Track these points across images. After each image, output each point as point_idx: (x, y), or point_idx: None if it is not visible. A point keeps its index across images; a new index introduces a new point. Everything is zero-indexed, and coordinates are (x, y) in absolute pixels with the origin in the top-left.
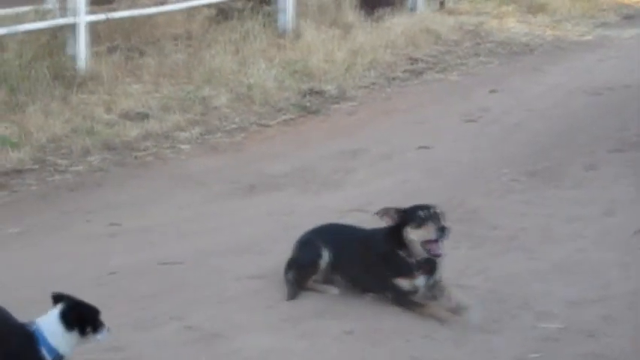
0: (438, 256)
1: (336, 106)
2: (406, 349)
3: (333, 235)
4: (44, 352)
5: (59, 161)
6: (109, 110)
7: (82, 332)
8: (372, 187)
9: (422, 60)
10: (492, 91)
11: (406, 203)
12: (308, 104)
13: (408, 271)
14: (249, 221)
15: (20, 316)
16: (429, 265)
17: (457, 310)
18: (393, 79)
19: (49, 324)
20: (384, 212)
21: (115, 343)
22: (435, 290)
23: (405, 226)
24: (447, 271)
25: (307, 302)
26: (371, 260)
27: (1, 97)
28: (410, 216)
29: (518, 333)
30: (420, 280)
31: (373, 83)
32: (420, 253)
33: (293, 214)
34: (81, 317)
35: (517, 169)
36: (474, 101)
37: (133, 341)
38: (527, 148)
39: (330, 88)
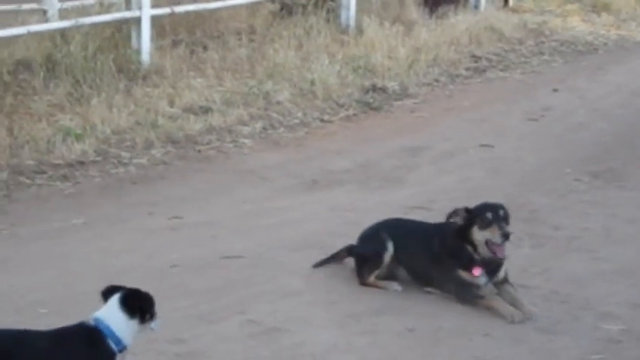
0: (502, 258)
1: (398, 102)
2: (467, 349)
3: (397, 229)
4: (112, 344)
5: (122, 154)
6: (172, 103)
7: (142, 319)
8: (434, 185)
9: (485, 58)
10: (555, 90)
11: (468, 202)
12: (370, 100)
13: (471, 265)
14: (311, 216)
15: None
16: (493, 264)
17: (518, 309)
18: (456, 76)
19: (111, 315)
20: (454, 213)
21: (178, 335)
22: (499, 289)
23: (472, 226)
24: (509, 270)
25: (370, 299)
26: (436, 253)
27: (66, 89)
28: (477, 216)
29: (580, 334)
30: (483, 277)
31: (436, 80)
32: (484, 252)
33: (355, 210)
34: (141, 303)
35: (580, 169)
36: (536, 100)
37: (197, 334)
38: (590, 147)
39: (393, 85)
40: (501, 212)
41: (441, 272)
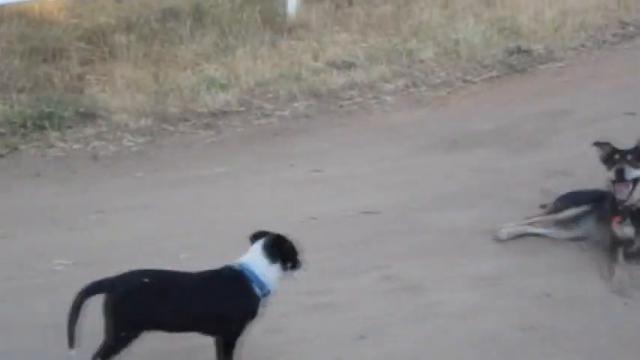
0: (621, 199)
1: (542, 66)
2: (605, 317)
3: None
4: (256, 289)
5: (265, 105)
6: (316, 57)
7: (284, 265)
8: (576, 151)
9: (633, 24)
10: None
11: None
12: (514, 63)
13: (617, 214)
14: (450, 176)
15: (221, 255)
16: (637, 214)
17: None
18: (603, 42)
19: (254, 259)
20: (601, 145)
21: (315, 287)
22: None
23: (606, 165)
24: None
25: (508, 262)
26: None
27: (212, 39)
28: (609, 156)
29: None
30: (629, 229)
31: (582, 45)
32: (615, 193)
33: (495, 172)
34: (282, 248)
35: None
36: None
37: (336, 287)
38: None
39: (538, 48)
40: (629, 156)
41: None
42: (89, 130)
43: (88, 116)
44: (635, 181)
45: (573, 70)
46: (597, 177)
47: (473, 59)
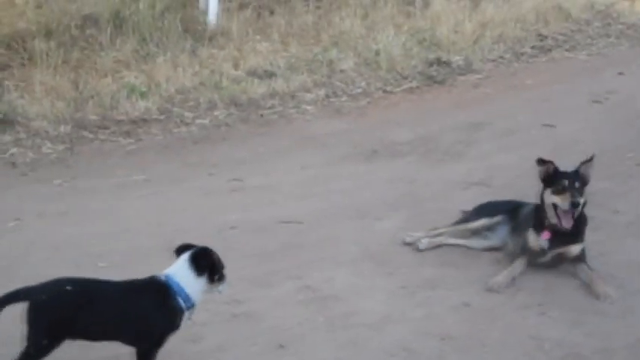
0: (565, 228)
1: (462, 77)
2: (522, 327)
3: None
4: (180, 301)
5: (185, 113)
6: (236, 66)
7: (211, 279)
8: (494, 162)
9: (551, 37)
10: (621, 74)
11: (527, 181)
12: (434, 74)
13: (542, 234)
14: (369, 186)
15: (140, 264)
16: (567, 237)
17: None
18: (521, 54)
19: (181, 272)
20: (543, 163)
21: (235, 296)
22: (573, 267)
23: (547, 187)
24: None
25: (426, 271)
26: (523, 217)
27: (132, 46)
28: (554, 179)
29: (636, 318)
30: (545, 243)
31: (501, 57)
32: (553, 219)
33: (414, 182)
34: (210, 263)
35: None
36: (601, 82)
37: (253, 297)
38: None
39: (457, 59)
40: (577, 183)
41: (519, 231)
42: (7, 137)
43: (7, 123)
44: (577, 210)
45: (492, 82)
46: (514, 187)
47: (393, 70)
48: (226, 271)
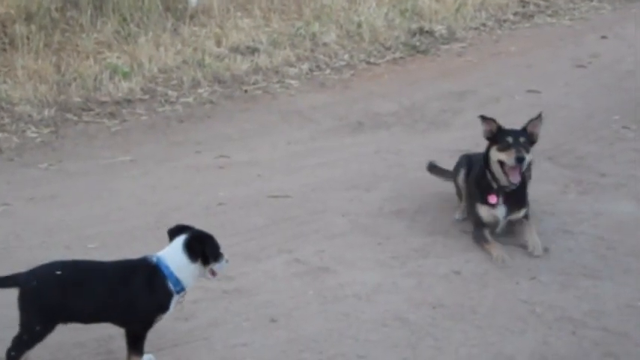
0: (513, 184)
1: (445, 46)
2: (513, 292)
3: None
4: (170, 285)
5: (169, 92)
6: (219, 43)
7: (206, 262)
8: (479, 129)
9: (533, 3)
10: (604, 37)
11: None
12: (417, 44)
13: (488, 199)
14: (356, 158)
15: (130, 244)
16: (515, 198)
17: (531, 253)
18: (504, 21)
19: (173, 256)
20: (486, 120)
21: (227, 272)
22: (517, 226)
23: (492, 145)
24: (556, 215)
25: (415, 241)
26: (470, 182)
27: (114, 27)
28: (499, 136)
29: (626, 280)
30: (501, 211)
31: (483, 25)
32: (500, 177)
33: (400, 152)
34: (205, 246)
35: (627, 117)
36: (584, 47)
37: (243, 272)
38: (638, 95)
39: (440, 29)
40: (522, 139)
41: (469, 202)
42: None
43: None
44: (523, 165)
45: (475, 50)
46: None
47: (376, 41)
48: (223, 250)
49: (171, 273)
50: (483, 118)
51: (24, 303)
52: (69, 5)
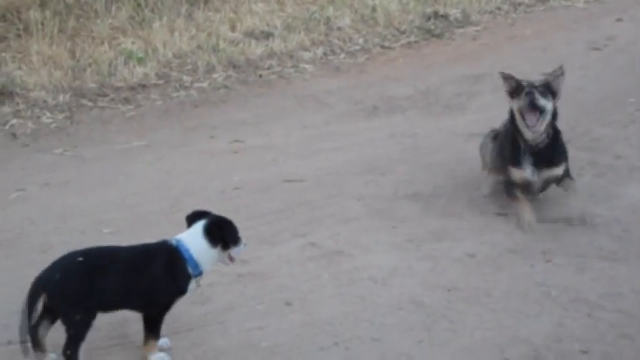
0: (531, 127)
1: (460, 30)
2: (528, 275)
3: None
4: (189, 268)
5: (184, 77)
6: (233, 28)
7: (225, 247)
8: (495, 112)
9: None
10: (619, 20)
11: None
12: (432, 27)
13: (517, 160)
14: (371, 142)
15: (145, 228)
16: (546, 156)
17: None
18: (519, 4)
19: (193, 240)
20: (506, 76)
21: (243, 256)
22: (553, 186)
23: (513, 99)
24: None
25: (430, 224)
26: (501, 146)
27: (128, 13)
28: (518, 90)
29: None
30: (530, 171)
31: (498, 8)
32: (523, 129)
33: (415, 136)
34: (225, 232)
35: None
36: (600, 29)
37: (258, 256)
38: None
39: (455, 12)
40: (539, 88)
41: (503, 164)
42: (6, 109)
43: (5, 94)
44: (542, 113)
45: (490, 34)
46: None
47: (390, 25)
48: (241, 233)
49: (191, 256)
50: (503, 75)
51: (56, 299)
52: None
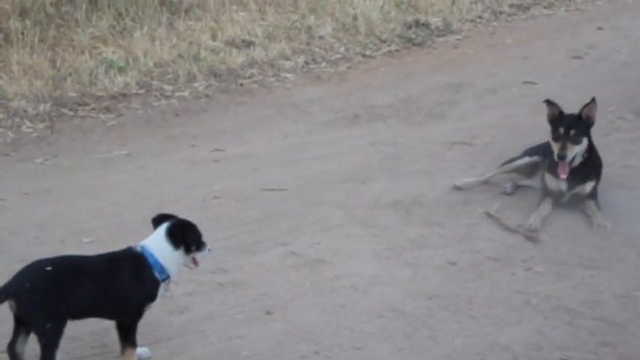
0: (561, 176)
1: (441, 38)
2: (509, 282)
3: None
4: (156, 273)
5: (165, 86)
6: (214, 37)
7: (188, 250)
8: (476, 121)
9: None
10: (600, 29)
11: (510, 138)
12: (413, 36)
13: (553, 170)
14: (352, 151)
15: (125, 238)
16: (580, 174)
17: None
18: (500, 13)
19: (157, 245)
20: (550, 105)
21: (221, 265)
22: (578, 202)
23: (552, 131)
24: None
25: (411, 232)
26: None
27: (109, 22)
28: (557, 123)
29: (623, 269)
30: (563, 184)
31: (479, 17)
32: (554, 155)
33: (396, 144)
34: (186, 234)
35: (623, 108)
36: (580, 38)
37: (239, 265)
38: (634, 86)
39: (436, 21)
40: (572, 131)
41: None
42: None
43: None
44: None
45: (471, 42)
46: (497, 146)
47: (371, 34)
48: (205, 239)
49: (156, 261)
50: (548, 103)
51: (25, 308)
52: (64, 0)
